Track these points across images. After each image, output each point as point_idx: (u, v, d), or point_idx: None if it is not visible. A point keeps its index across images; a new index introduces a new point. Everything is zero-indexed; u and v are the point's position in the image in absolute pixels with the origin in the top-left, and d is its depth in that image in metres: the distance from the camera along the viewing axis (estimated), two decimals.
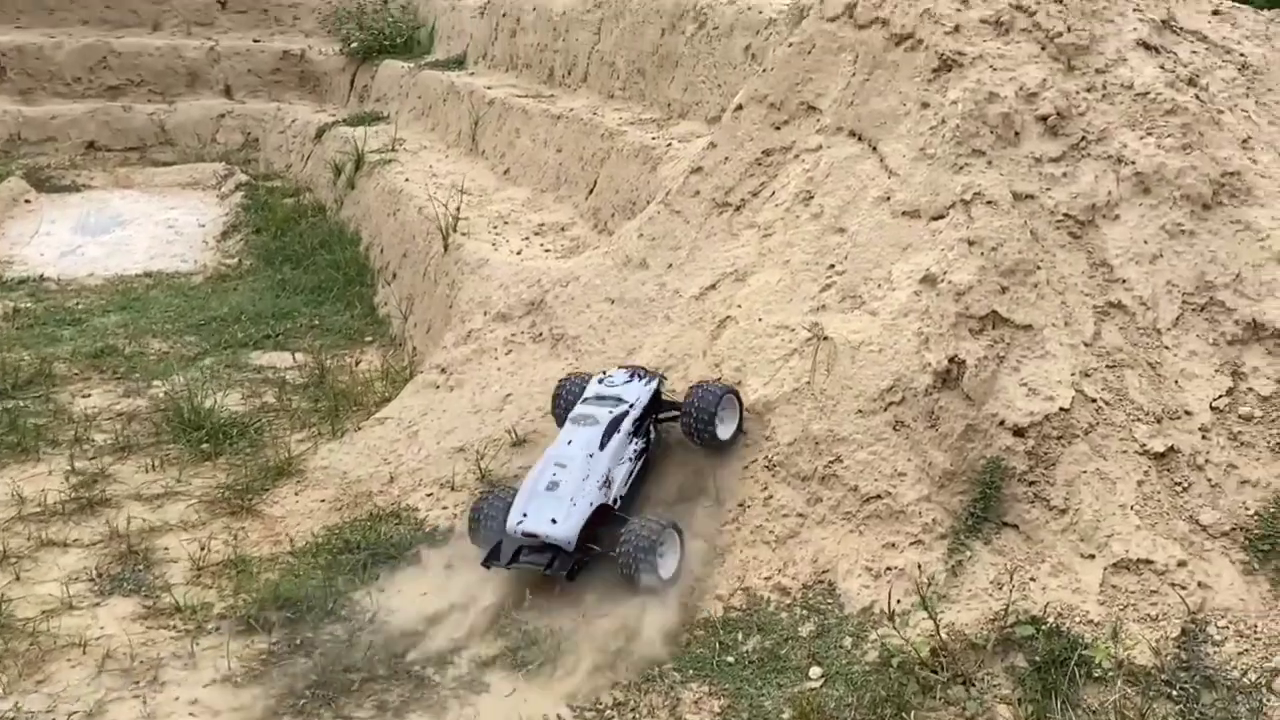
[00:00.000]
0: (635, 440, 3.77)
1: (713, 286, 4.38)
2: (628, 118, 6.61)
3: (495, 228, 6.18)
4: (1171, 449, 3.56)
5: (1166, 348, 3.86)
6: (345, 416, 4.77)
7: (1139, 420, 3.62)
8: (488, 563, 3.54)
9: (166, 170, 10.98)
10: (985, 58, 4.42)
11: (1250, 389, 3.74)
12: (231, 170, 10.94)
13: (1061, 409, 3.58)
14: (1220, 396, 3.71)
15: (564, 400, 3.96)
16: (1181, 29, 5.02)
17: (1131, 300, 3.94)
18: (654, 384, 3.90)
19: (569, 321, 4.55)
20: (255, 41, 12.92)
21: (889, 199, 4.27)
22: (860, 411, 3.68)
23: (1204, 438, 3.60)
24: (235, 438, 4.63)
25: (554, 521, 3.48)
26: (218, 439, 4.60)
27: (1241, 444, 3.60)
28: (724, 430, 3.77)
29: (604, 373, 3.96)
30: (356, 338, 6.18)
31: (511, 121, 7.72)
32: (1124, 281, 3.98)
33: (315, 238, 8.01)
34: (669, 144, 5.64)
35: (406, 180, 7.45)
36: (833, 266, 4.20)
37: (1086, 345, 3.80)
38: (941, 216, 4.09)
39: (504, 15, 9.42)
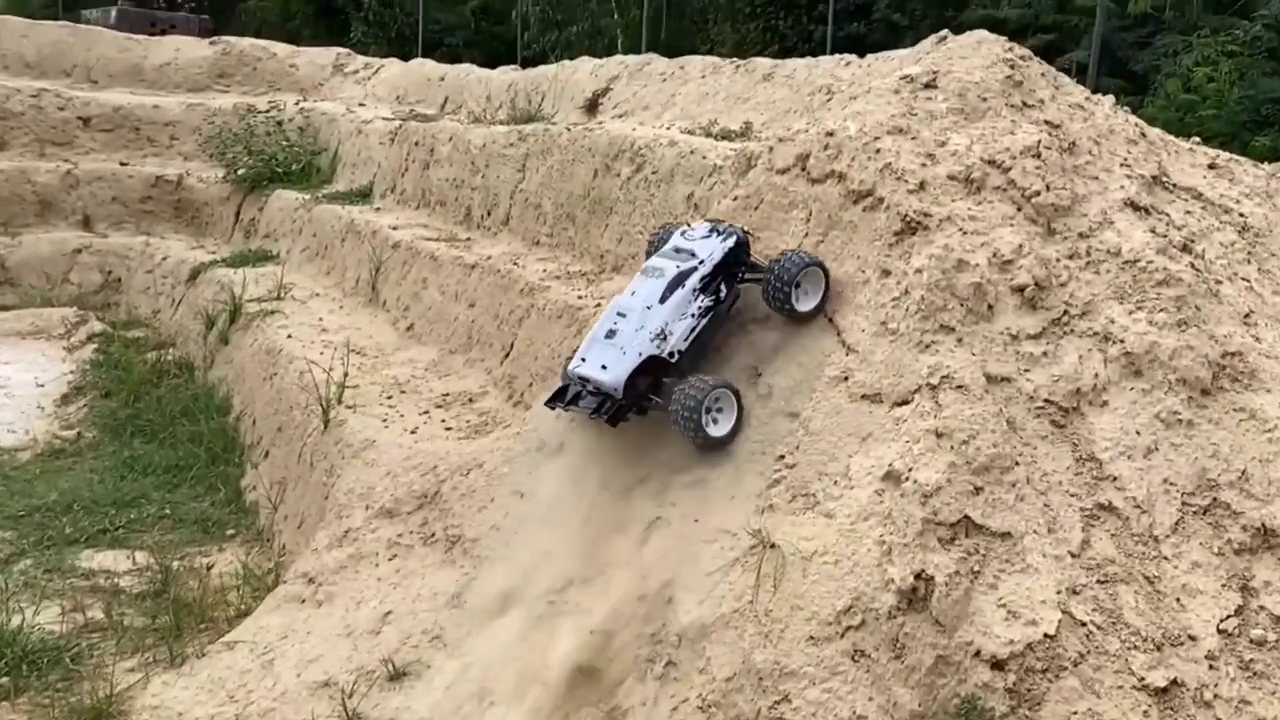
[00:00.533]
0: (702, 297, 4.42)
1: (642, 480, 4.44)
2: (553, 270, 6.81)
3: (390, 397, 6.23)
4: (1174, 682, 3.61)
5: (1166, 558, 3.97)
6: (189, 637, 4.67)
7: (1136, 648, 3.68)
8: (550, 403, 4.41)
9: (3, 316, 10.98)
10: (954, 219, 4.68)
11: (1262, 607, 3.83)
12: (84, 317, 10.97)
13: (1046, 635, 3.63)
14: (1228, 617, 3.79)
15: (654, 250, 4.65)
16: (1174, 186, 5.38)
17: (1124, 502, 4.06)
18: (730, 241, 4.52)
19: (468, 520, 4.56)
20: (122, 164, 13.18)
21: (847, 379, 4.41)
22: (812, 638, 3.71)
23: (1211, 668, 3.66)
24: (45, 668, 4.49)
25: (604, 368, 4.21)
26: (21, 670, 4.45)
27: (1254, 674, 3.67)
28: (804, 303, 4.48)
29: (688, 224, 4.72)
30: (215, 531, 6.11)
31: (419, 269, 7.90)
32: (1115, 479, 4.12)
33: (176, 404, 8.00)
34: (597, 303, 5.80)
35: (289, 336, 7.52)
36: (782, 458, 4.29)
37: (1074, 556, 3.89)
38: (906, 402, 4.23)
39: (416, 144, 9.76)
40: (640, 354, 4.25)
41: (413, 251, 8.11)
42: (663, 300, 4.35)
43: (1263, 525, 4.04)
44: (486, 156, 8.31)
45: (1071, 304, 4.54)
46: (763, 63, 7.83)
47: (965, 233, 4.65)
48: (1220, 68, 15.00)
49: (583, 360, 4.31)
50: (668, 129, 7.40)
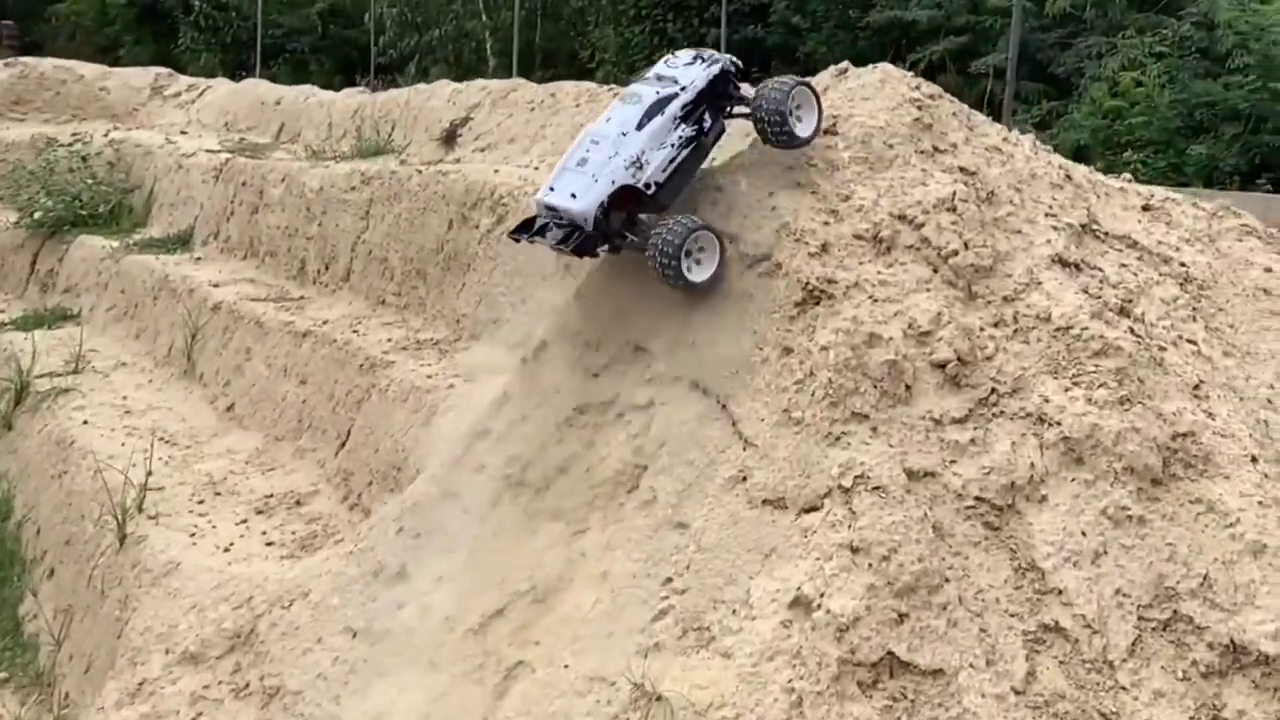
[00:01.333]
0: (683, 126, 4.53)
1: (500, 612, 4.13)
2: (400, 338, 6.46)
3: (201, 502, 5.82)
4: None
5: (1124, 688, 3.79)
6: None
7: None
8: (516, 234, 4.57)
9: None
10: (863, 286, 4.48)
11: None
12: None
13: None
14: None
15: None
16: (1106, 234, 5.28)
17: (1073, 621, 3.88)
18: (715, 69, 4.61)
19: (289, 666, 4.19)
20: None
21: (745, 480, 4.17)
22: None
23: None
24: None
25: (573, 196, 4.31)
26: None
27: None
28: (803, 128, 4.65)
29: (673, 53, 4.81)
30: None
31: (242, 336, 7.48)
32: (1060, 593, 3.93)
33: None
34: (449, 384, 5.48)
35: (85, 423, 7.04)
36: (670, 581, 4.02)
37: (1018, 693, 3.69)
38: (815, 508, 4.00)
39: (244, 184, 9.34)
40: (613, 182, 4.35)
41: (235, 315, 7.69)
42: (640, 127, 4.47)
43: (1231, 641, 3.89)
44: (324, 201, 7.93)
45: (1000, 380, 4.37)
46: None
47: (876, 300, 4.46)
48: (1149, 70, 15.30)
49: (551, 189, 4.40)
50: (535, 168, 7.12)
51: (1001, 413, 4.31)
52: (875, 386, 4.24)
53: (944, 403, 4.30)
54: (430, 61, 27.68)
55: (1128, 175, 6.33)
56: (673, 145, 4.53)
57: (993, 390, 4.34)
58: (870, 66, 5.73)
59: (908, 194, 4.80)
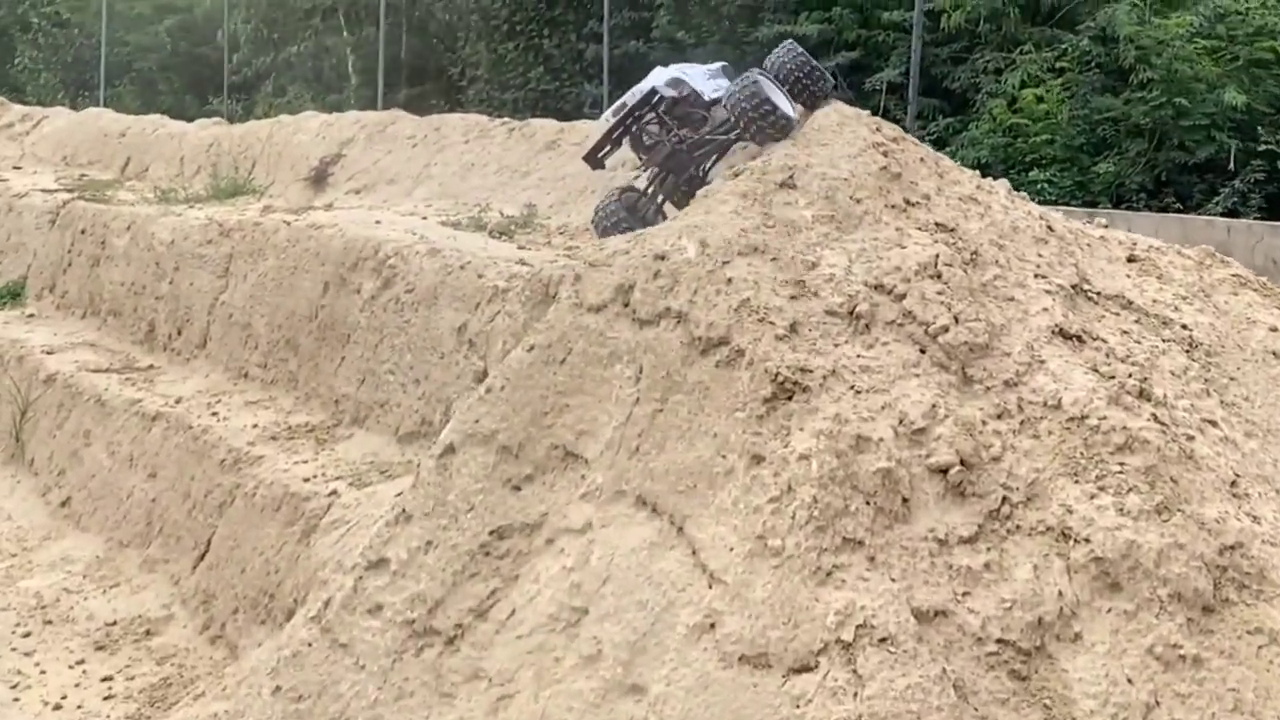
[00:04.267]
0: None
1: None
2: (269, 422, 5.55)
3: (28, 635, 4.86)
4: None
5: None
6: None
7: None
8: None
9: None
10: (841, 374, 3.75)
11: None
12: None
13: None
14: None
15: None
16: (1099, 295, 4.64)
17: None
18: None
19: None
20: None
21: (714, 629, 3.40)
22: None
23: None
24: None
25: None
26: None
27: None
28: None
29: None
30: None
31: (81, 416, 6.47)
32: None
33: None
34: (331, 490, 4.59)
35: None
36: None
37: None
38: (808, 668, 3.24)
39: (84, 231, 8.28)
40: None
41: (73, 390, 6.67)
42: None
43: None
44: (177, 255, 6.95)
45: (1011, 487, 3.67)
46: (545, 126, 6.81)
47: (859, 392, 3.73)
48: (1048, 86, 14.99)
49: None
50: (424, 217, 6.27)
51: (1017, 528, 3.61)
52: (868, 503, 3.50)
53: (948, 517, 3.59)
54: (288, 80, 26.51)
55: (1024, 194, 5.76)
56: None
57: (1004, 499, 3.64)
58: (824, 108, 5.03)
59: (883, 258, 4.09)
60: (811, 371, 3.72)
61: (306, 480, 4.74)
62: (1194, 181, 14.45)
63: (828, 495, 3.45)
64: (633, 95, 4.92)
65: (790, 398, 3.68)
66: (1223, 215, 12.76)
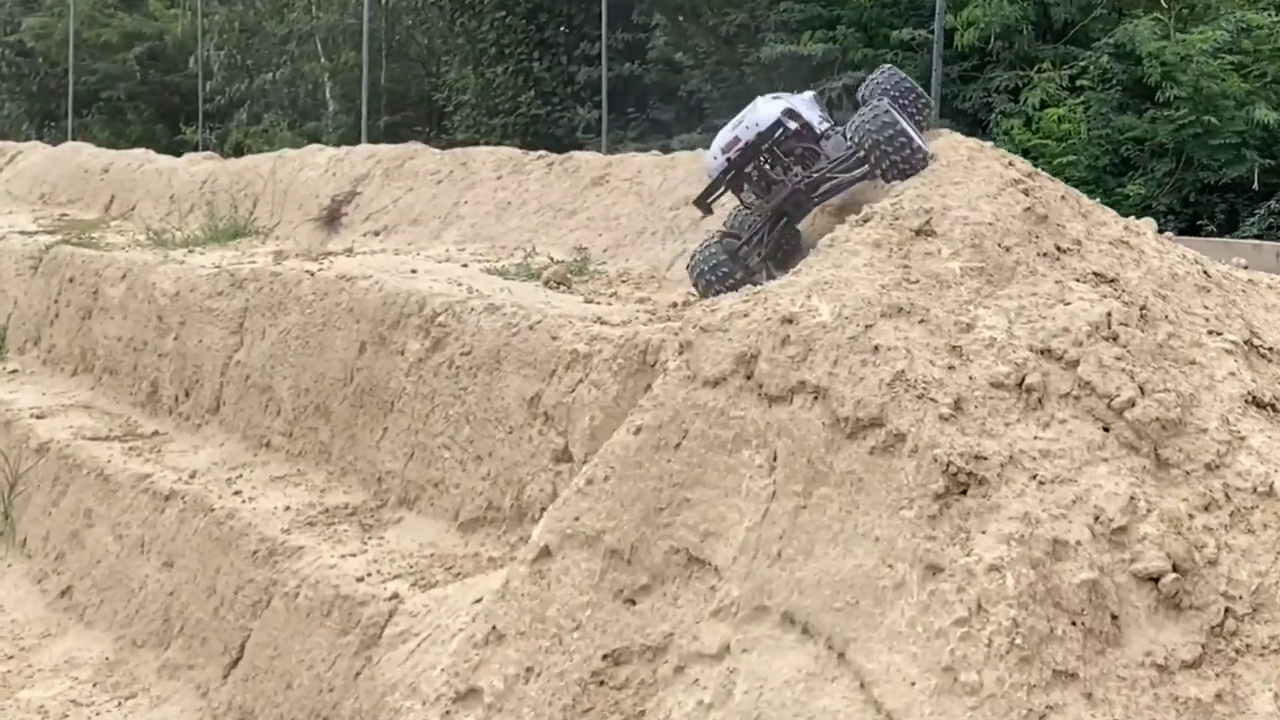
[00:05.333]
0: None
1: None
2: (302, 503, 4.94)
3: None
4: None
5: None
6: None
7: None
8: None
9: None
10: (1020, 461, 3.18)
11: None
12: None
13: None
14: None
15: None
16: (1270, 351, 4.07)
17: None
18: None
19: None
20: None
21: None
22: None
23: None
24: None
25: None
26: None
27: None
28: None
29: None
30: None
31: (80, 492, 5.84)
32: None
33: None
34: (393, 595, 3.98)
35: None
36: None
37: None
38: None
39: (71, 280, 7.65)
40: None
41: (69, 462, 6.03)
42: None
43: None
44: (182, 309, 6.32)
45: (1233, 595, 3.10)
46: (590, 160, 6.24)
47: (1042, 483, 3.17)
48: (1069, 105, 14.53)
49: None
50: (464, 264, 5.67)
51: (1247, 647, 3.04)
52: (1075, 623, 2.93)
53: (1164, 636, 3.02)
54: (262, 107, 25.91)
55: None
56: None
57: (1226, 611, 3.07)
58: (936, 134, 4.49)
59: (1047, 317, 3.54)
60: (986, 459, 3.14)
61: (360, 580, 4.13)
62: (1216, 202, 14.02)
63: (1029, 616, 2.88)
64: (746, 129, 4.34)
65: (965, 492, 3.10)
66: (1256, 237, 12.31)
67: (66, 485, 6.02)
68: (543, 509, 4.13)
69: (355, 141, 15.91)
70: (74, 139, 17.00)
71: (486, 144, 15.42)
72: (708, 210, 4.50)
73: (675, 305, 4.68)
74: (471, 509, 4.43)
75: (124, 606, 5.21)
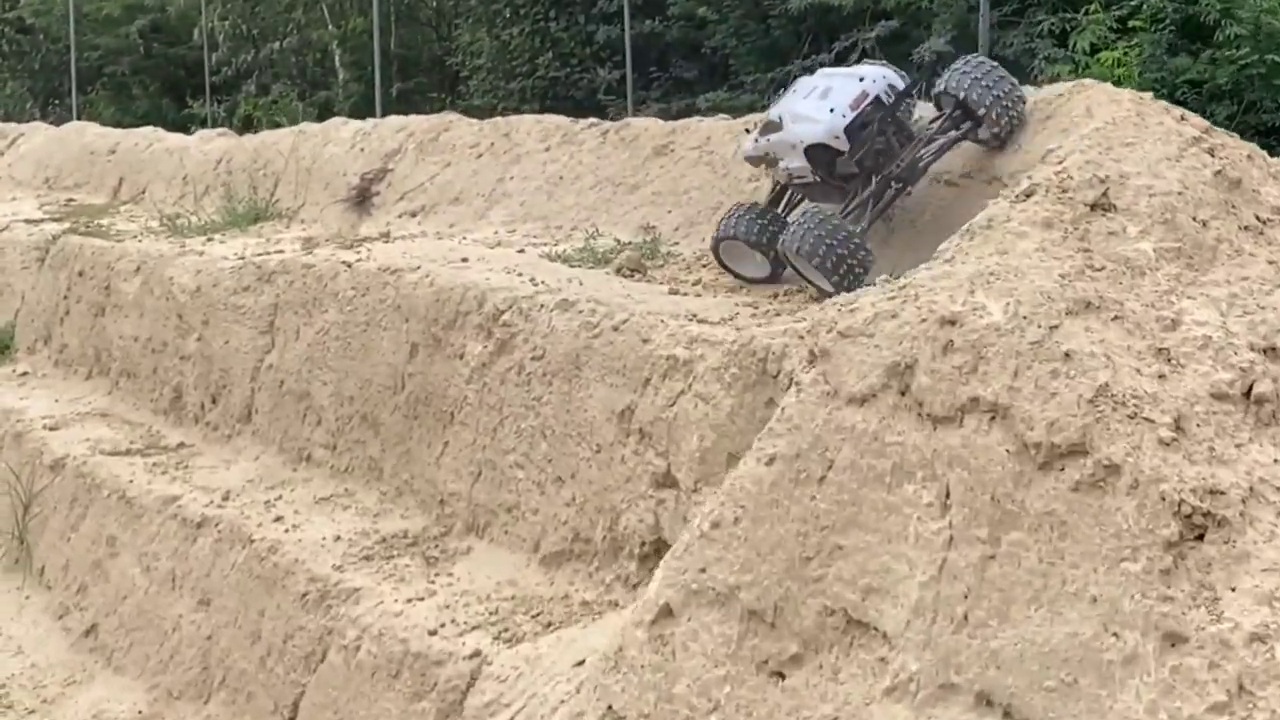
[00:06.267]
0: None
1: None
2: (354, 529, 4.36)
3: None
4: None
5: None
6: None
7: None
8: None
9: None
10: (1262, 494, 2.60)
11: None
12: None
13: None
14: None
15: None
16: None
17: None
18: None
19: None
20: None
21: None
22: None
23: None
24: None
25: None
26: None
27: None
28: None
29: None
30: None
31: (101, 515, 5.27)
32: None
33: None
34: (474, 653, 3.39)
35: None
36: None
37: None
38: None
39: (81, 274, 7.05)
40: None
41: (88, 481, 5.46)
42: None
43: None
44: (205, 306, 5.72)
45: None
46: (649, 127, 5.60)
47: None
48: (1123, 49, 13.79)
49: None
50: (520, 249, 5.05)
51: None
52: None
53: None
54: (270, 78, 25.27)
55: None
56: None
57: None
58: (1077, 85, 3.86)
59: (1265, 309, 2.90)
60: (1224, 493, 2.52)
61: (432, 632, 3.53)
62: (1272, 146, 13.32)
63: None
64: (874, 83, 3.94)
65: (1201, 536, 2.48)
66: None
67: (86, 507, 5.45)
68: (643, 543, 3.55)
69: (369, 111, 15.27)
70: (79, 117, 16.40)
71: (505, 109, 14.75)
72: (831, 176, 3.92)
73: (776, 297, 4.06)
74: (555, 540, 3.83)
75: (156, 650, 4.64)
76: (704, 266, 4.64)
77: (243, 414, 5.45)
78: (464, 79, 21.36)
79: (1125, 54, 13.53)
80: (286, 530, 4.43)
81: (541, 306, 4.08)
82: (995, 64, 4.02)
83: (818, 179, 4.03)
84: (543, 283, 4.32)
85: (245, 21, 25.57)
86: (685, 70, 18.17)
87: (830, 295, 3.82)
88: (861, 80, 3.98)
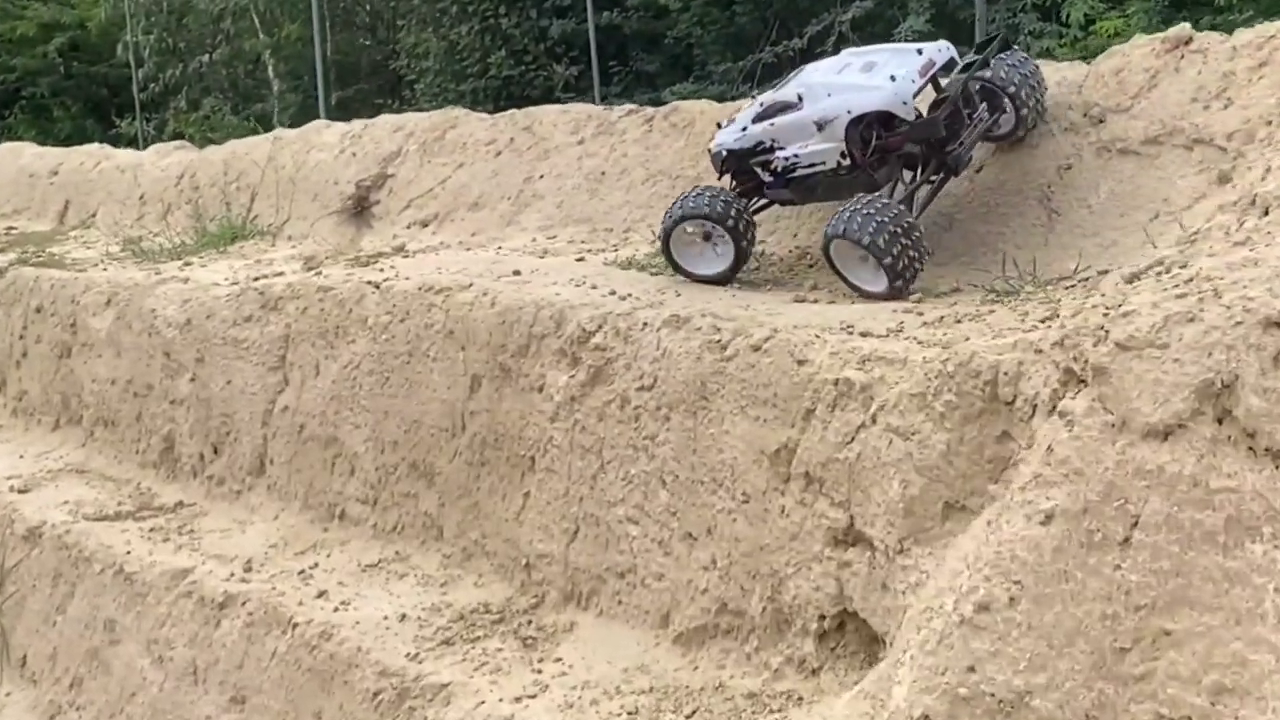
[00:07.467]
0: None
1: None
2: (421, 605, 3.64)
3: None
4: None
5: None
6: None
7: None
8: None
9: None
10: None
11: None
12: None
13: None
14: None
15: None
16: None
17: None
18: None
19: None
20: None
21: None
22: None
23: None
24: None
25: None
26: None
27: None
28: None
29: None
30: None
31: (93, 596, 4.49)
32: None
33: None
34: None
35: None
36: None
37: None
38: None
39: (39, 310, 6.22)
40: None
41: (72, 554, 4.68)
42: None
43: None
44: (198, 341, 4.95)
45: None
46: (699, 111, 4.92)
47: None
48: (1116, 16, 13.32)
49: None
50: (580, 257, 4.35)
51: None
52: None
53: None
54: (200, 92, 24.29)
55: None
56: None
57: None
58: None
59: None
60: None
61: None
62: None
63: None
64: (940, 52, 3.71)
65: None
66: None
67: (73, 584, 4.66)
68: (822, 616, 2.85)
69: (309, 122, 14.44)
70: None
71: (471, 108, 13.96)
72: (862, 157, 3.55)
73: (922, 300, 3.39)
74: (692, 612, 3.13)
75: None
76: (809, 266, 3.96)
77: (254, 465, 4.68)
78: (409, 83, 20.52)
79: (1122, 22, 13.05)
80: (336, 609, 3.68)
81: (644, 325, 3.36)
82: (1037, 64, 3.87)
83: (836, 166, 3.57)
84: (630, 295, 3.62)
85: (171, 35, 24.53)
86: (646, 63, 17.48)
87: (870, 295, 3.40)
88: (921, 53, 3.69)
